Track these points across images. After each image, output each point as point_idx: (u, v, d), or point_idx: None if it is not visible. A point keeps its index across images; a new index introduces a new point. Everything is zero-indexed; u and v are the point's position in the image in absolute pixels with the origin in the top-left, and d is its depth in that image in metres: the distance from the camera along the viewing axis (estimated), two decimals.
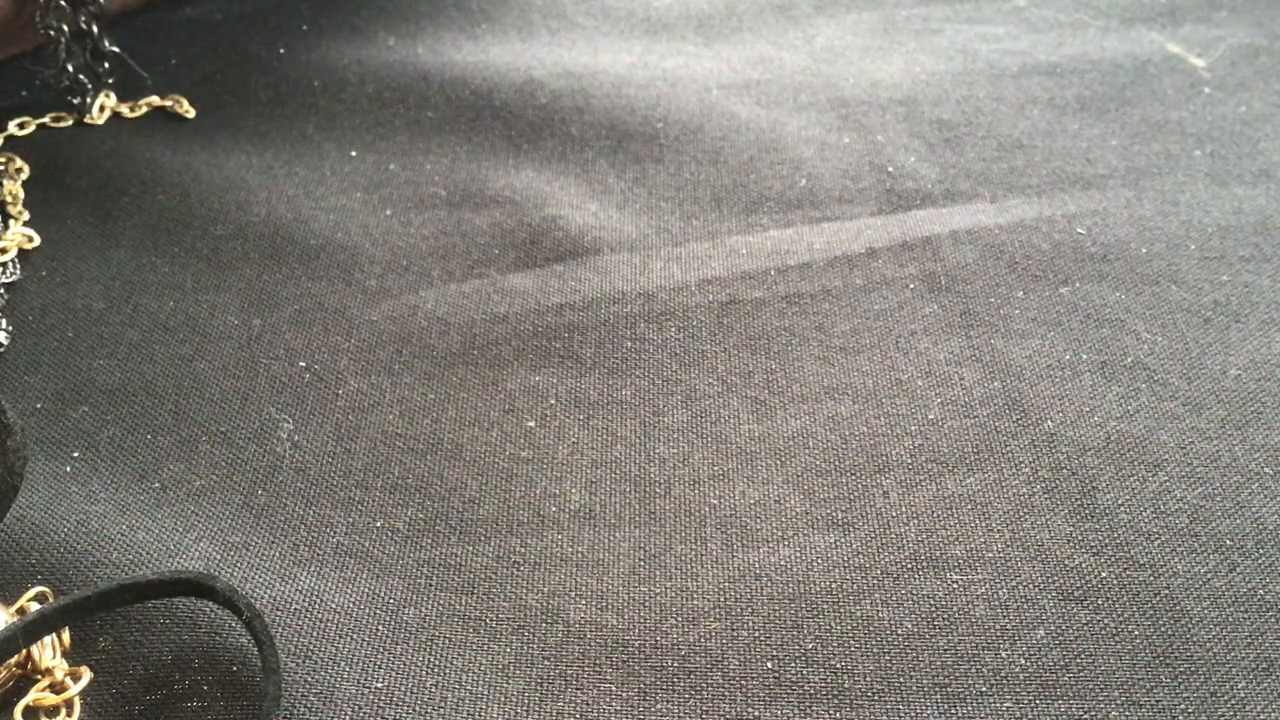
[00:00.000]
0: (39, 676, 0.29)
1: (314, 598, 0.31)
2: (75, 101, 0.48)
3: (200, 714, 0.29)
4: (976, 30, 0.53)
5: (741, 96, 0.49)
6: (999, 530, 0.32)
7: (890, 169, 0.45)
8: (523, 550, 0.32)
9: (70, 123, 0.48)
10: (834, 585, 0.31)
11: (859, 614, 0.30)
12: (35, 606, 0.29)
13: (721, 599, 0.31)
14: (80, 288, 0.41)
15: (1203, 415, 0.35)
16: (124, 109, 0.48)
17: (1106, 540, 0.32)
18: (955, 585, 0.31)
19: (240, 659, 0.30)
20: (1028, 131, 0.47)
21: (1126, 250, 0.41)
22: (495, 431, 0.36)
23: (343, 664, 0.29)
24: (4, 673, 0.28)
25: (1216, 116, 0.47)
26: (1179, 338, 0.38)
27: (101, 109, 0.48)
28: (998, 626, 0.30)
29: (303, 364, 0.38)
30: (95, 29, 0.48)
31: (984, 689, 0.29)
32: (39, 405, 0.36)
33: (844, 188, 0.44)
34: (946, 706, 0.28)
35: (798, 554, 0.32)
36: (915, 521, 0.32)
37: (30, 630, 0.28)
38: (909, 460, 0.34)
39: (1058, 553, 0.31)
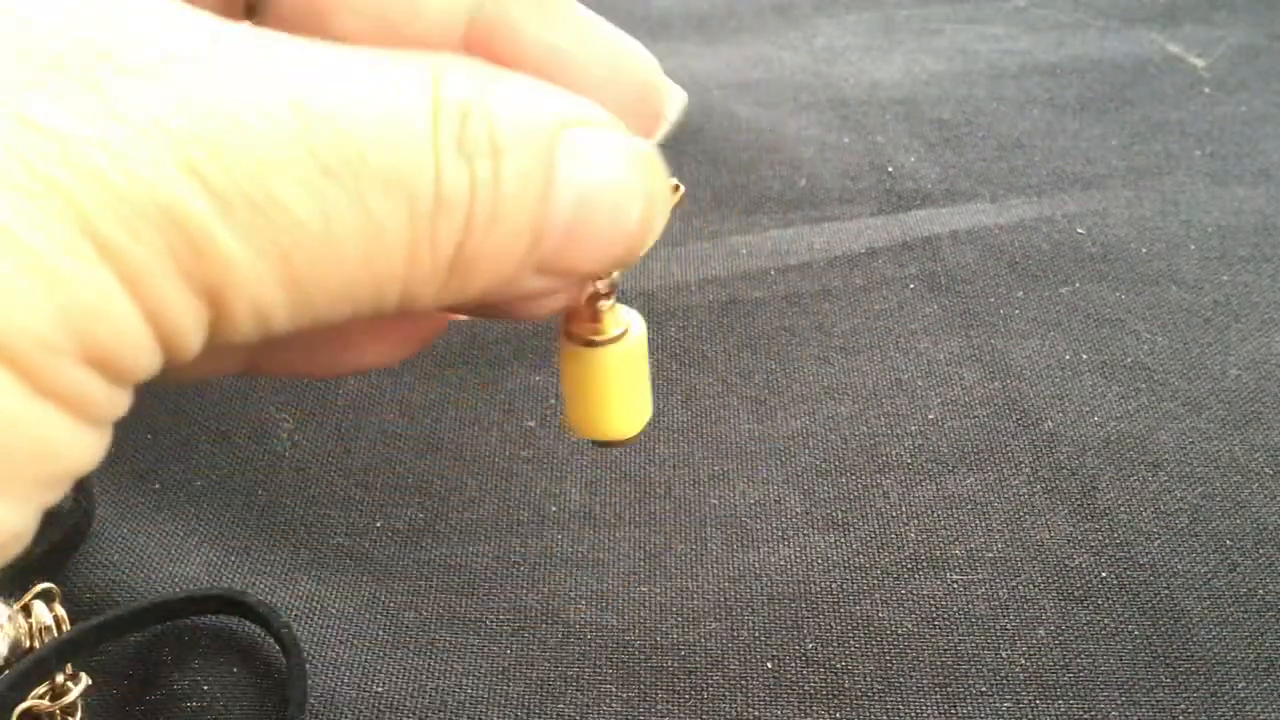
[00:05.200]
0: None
1: (314, 602, 0.31)
2: None
3: (200, 714, 0.29)
4: (976, 30, 0.53)
5: (741, 96, 0.49)
6: (999, 530, 0.32)
7: (890, 169, 0.45)
8: (523, 550, 0.32)
9: None
10: (834, 585, 0.31)
11: (859, 614, 0.30)
12: (39, 604, 0.29)
13: (721, 599, 0.31)
14: None
15: (1203, 415, 0.35)
16: None
17: (1106, 540, 0.32)
18: (955, 585, 0.31)
19: (240, 659, 0.30)
20: (1028, 131, 0.47)
21: (1126, 250, 0.41)
22: (495, 431, 0.36)
23: (343, 669, 0.29)
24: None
25: (1216, 116, 0.47)
26: (1179, 338, 0.38)
27: None
28: (998, 626, 0.30)
29: None
30: None
31: (984, 689, 0.29)
32: None
33: (844, 188, 0.44)
34: (946, 706, 0.28)
35: (798, 554, 0.32)
36: (915, 521, 0.32)
37: (63, 650, 0.28)
38: (909, 460, 0.34)
39: (1058, 553, 0.31)
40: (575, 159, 0.18)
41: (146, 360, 0.15)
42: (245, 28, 0.15)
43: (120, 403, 0.15)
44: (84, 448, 0.15)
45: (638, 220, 0.19)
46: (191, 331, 0.15)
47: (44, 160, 0.13)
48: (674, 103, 0.21)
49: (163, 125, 0.14)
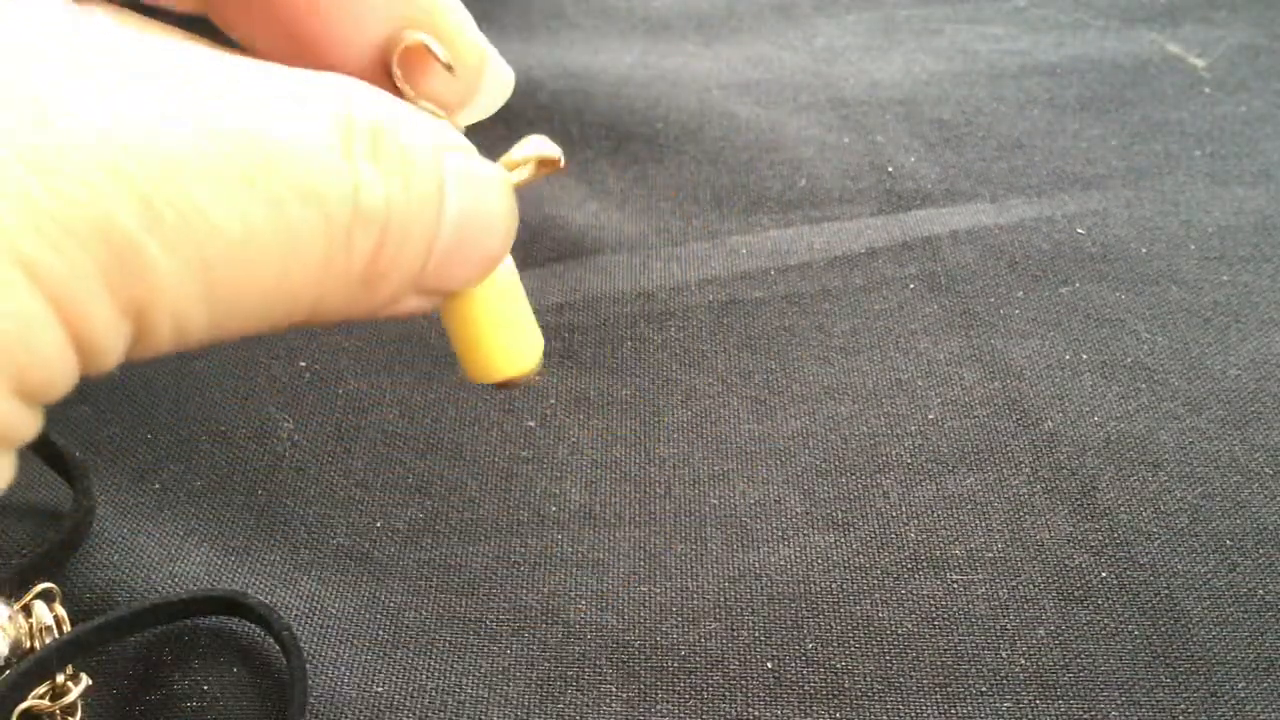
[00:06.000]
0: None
1: (314, 603, 0.31)
2: None
3: (200, 714, 0.29)
4: (976, 30, 0.53)
5: (741, 96, 0.49)
6: (999, 530, 0.32)
7: (890, 169, 0.45)
8: (523, 550, 0.32)
9: None
10: (834, 585, 0.31)
11: (859, 614, 0.30)
12: (39, 604, 0.29)
13: (721, 599, 0.31)
14: None
15: (1203, 415, 0.35)
16: None
17: (1106, 540, 0.32)
18: (955, 585, 0.31)
19: (240, 660, 0.30)
20: (1028, 131, 0.47)
21: (1126, 250, 0.41)
22: (495, 431, 0.36)
23: (344, 669, 0.29)
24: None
25: (1216, 116, 0.47)
26: (1179, 338, 0.38)
27: None
28: (998, 626, 0.30)
29: (303, 363, 0.38)
30: None
31: (984, 689, 0.29)
32: None
33: (844, 188, 0.44)
34: (946, 706, 0.28)
35: (798, 554, 0.32)
36: (915, 521, 0.32)
37: (63, 651, 0.28)
38: (909, 460, 0.34)
39: (1058, 553, 0.31)
40: (457, 184, 0.18)
41: (64, 380, 0.14)
42: (165, 39, 0.15)
43: (33, 424, 0.15)
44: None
45: (500, 242, 0.20)
46: (112, 349, 0.15)
47: None
48: (487, 69, 0.20)
49: (96, 135, 0.14)
